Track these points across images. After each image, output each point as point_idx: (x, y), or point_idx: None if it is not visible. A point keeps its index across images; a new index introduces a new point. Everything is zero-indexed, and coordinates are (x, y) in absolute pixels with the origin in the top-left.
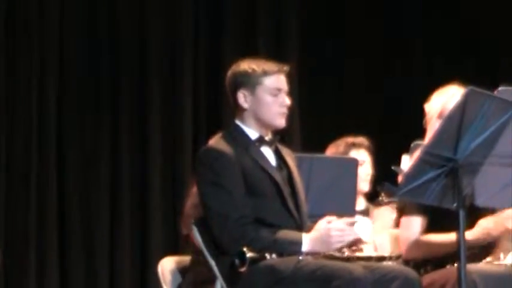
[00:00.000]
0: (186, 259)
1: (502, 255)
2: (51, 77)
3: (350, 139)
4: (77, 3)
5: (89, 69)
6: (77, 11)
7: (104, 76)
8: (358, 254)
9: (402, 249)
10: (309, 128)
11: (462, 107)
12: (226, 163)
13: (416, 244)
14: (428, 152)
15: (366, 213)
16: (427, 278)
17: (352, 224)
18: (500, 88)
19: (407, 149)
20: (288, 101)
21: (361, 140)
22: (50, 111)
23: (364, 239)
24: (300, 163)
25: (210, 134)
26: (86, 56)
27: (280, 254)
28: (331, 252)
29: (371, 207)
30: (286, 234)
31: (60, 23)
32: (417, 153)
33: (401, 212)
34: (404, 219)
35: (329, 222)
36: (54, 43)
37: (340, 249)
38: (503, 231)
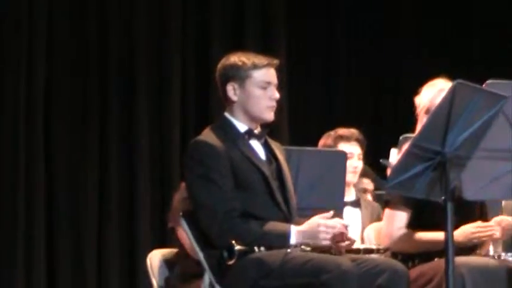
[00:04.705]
0: (174, 251)
1: (490, 249)
2: (40, 77)
3: (340, 131)
4: (66, 3)
5: (77, 69)
6: (66, 11)
7: (92, 76)
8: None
9: (383, 242)
10: (297, 122)
11: (450, 100)
12: (215, 156)
13: (401, 239)
14: (416, 145)
15: (356, 204)
16: (415, 271)
17: (345, 226)
18: (488, 81)
19: (396, 142)
20: (277, 94)
21: (350, 132)
22: (37, 111)
23: (353, 230)
24: (288, 156)
25: (198, 128)
26: (74, 56)
27: (268, 247)
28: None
29: (363, 197)
30: (274, 226)
31: (49, 23)
32: (406, 147)
33: (387, 204)
34: (388, 212)
35: (323, 218)
36: (42, 43)
37: (329, 248)
38: (485, 238)
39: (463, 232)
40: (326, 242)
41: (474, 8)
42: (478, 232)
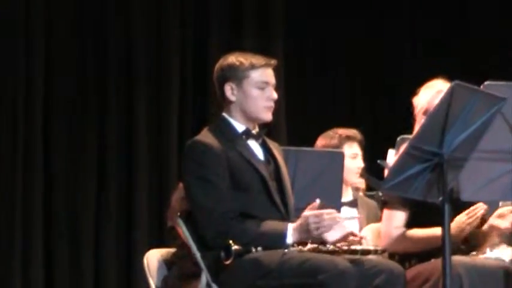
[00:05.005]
0: (172, 251)
1: (488, 250)
2: (39, 77)
3: (343, 132)
4: (64, 3)
5: (75, 69)
6: (63, 11)
7: (90, 76)
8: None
9: (383, 242)
10: (295, 122)
11: (448, 102)
12: (212, 157)
13: (399, 238)
14: (413, 146)
15: (353, 204)
16: (412, 271)
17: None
18: (486, 83)
19: (393, 143)
20: (275, 94)
21: (354, 133)
22: (36, 111)
23: (355, 231)
24: (286, 156)
25: (196, 129)
26: (73, 56)
27: (266, 247)
28: (316, 245)
29: (360, 197)
30: (271, 226)
31: (46, 24)
32: (403, 148)
33: (385, 205)
34: (386, 213)
35: (309, 209)
36: (41, 42)
37: (335, 243)
38: (476, 226)
39: (455, 223)
40: (318, 233)
41: (470, 8)
42: (469, 217)
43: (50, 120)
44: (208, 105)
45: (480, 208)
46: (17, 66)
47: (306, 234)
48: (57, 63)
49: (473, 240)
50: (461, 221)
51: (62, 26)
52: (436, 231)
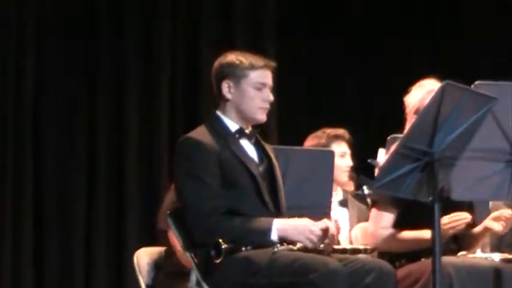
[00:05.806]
0: (162, 250)
1: (478, 250)
2: (29, 77)
3: (331, 131)
4: (56, 3)
5: (66, 69)
6: (56, 10)
7: (80, 76)
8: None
9: (369, 242)
10: (285, 122)
11: (439, 101)
12: (203, 154)
13: (386, 239)
14: (404, 146)
15: (344, 204)
16: (402, 271)
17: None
18: (476, 82)
19: (383, 143)
20: (271, 96)
21: (342, 132)
22: (26, 111)
23: (340, 229)
24: (276, 155)
25: (187, 127)
26: (64, 55)
27: (251, 243)
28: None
29: (349, 198)
30: (256, 223)
31: (38, 23)
32: (394, 147)
33: (374, 204)
34: (374, 212)
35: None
36: (32, 42)
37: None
38: (459, 229)
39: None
40: (307, 243)
41: (462, 7)
42: (452, 222)
43: (40, 120)
44: (199, 105)
45: (466, 218)
46: (7, 66)
47: (296, 235)
48: (48, 63)
49: (463, 240)
50: (442, 223)
51: (54, 26)
52: (423, 233)
